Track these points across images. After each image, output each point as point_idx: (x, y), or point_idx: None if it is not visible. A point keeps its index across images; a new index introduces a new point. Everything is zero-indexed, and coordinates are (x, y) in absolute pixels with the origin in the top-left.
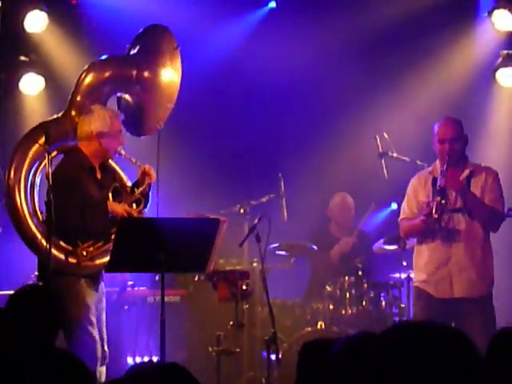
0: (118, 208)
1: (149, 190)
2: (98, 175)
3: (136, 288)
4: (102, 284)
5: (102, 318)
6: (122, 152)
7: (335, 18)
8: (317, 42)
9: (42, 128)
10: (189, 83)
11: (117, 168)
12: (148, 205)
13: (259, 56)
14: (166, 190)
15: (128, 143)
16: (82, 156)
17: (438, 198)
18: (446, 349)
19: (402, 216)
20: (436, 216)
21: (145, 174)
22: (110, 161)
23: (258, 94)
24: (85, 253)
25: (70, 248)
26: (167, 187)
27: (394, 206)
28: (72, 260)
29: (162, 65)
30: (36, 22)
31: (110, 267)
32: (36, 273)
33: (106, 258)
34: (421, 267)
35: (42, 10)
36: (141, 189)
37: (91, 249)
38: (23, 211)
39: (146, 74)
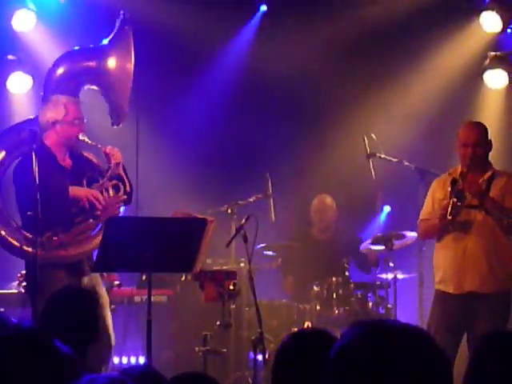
0: (80, 192)
1: (124, 171)
2: (65, 164)
3: (123, 288)
4: (93, 277)
5: None
6: (85, 139)
7: (323, 20)
8: (304, 43)
9: (15, 131)
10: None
11: (91, 157)
12: (129, 189)
13: (247, 58)
14: (154, 189)
15: (116, 139)
16: (42, 147)
17: (454, 199)
18: (405, 349)
19: (420, 217)
20: (450, 218)
21: (108, 155)
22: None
23: (246, 95)
24: (51, 241)
25: (35, 237)
26: (155, 187)
27: (387, 208)
28: (40, 251)
29: (114, 50)
30: (24, 20)
31: (97, 267)
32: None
33: (84, 247)
34: (438, 267)
35: (29, 8)
36: (109, 172)
37: (56, 238)
38: None
39: (103, 63)
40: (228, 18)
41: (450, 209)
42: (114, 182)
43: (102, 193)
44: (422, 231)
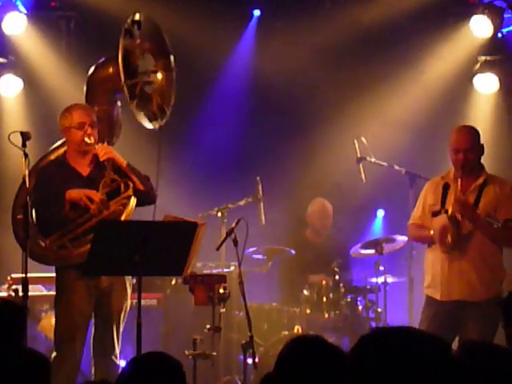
0: (74, 194)
1: (132, 170)
2: (82, 170)
3: None
4: (116, 278)
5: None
6: (87, 141)
7: (314, 25)
8: (296, 47)
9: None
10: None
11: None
12: (142, 187)
13: (238, 62)
14: None
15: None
16: (59, 154)
17: (454, 230)
18: (420, 356)
19: (411, 221)
20: (450, 241)
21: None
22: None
23: (237, 99)
24: (54, 243)
25: (44, 241)
26: None
27: (382, 213)
28: (46, 252)
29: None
30: (15, 23)
31: (87, 270)
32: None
33: (86, 247)
34: (427, 271)
35: (20, 11)
36: (107, 172)
37: (64, 239)
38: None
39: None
40: (222, 25)
41: (450, 239)
42: (123, 179)
43: (116, 191)
44: (412, 236)
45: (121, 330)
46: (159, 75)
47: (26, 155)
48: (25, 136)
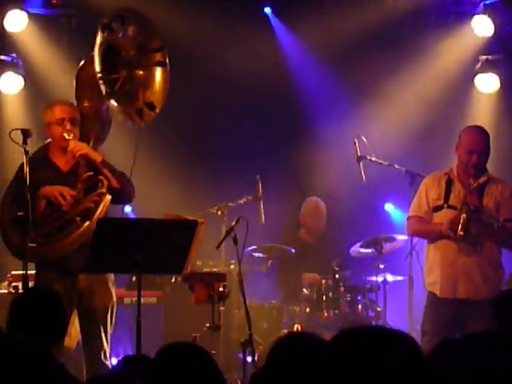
0: (47, 190)
1: (108, 167)
2: (62, 165)
3: None
4: (95, 277)
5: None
6: (66, 136)
7: (318, 23)
8: (298, 45)
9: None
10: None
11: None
12: (117, 184)
13: (242, 58)
14: (144, 190)
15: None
16: (41, 148)
17: (464, 215)
18: (390, 354)
19: (411, 213)
20: (462, 233)
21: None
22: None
23: (237, 96)
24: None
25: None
26: (144, 188)
27: (390, 206)
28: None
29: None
30: (16, 21)
31: (88, 267)
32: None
33: (58, 245)
34: (431, 268)
35: (21, 9)
36: (81, 169)
37: (37, 235)
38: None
39: None
40: (233, 24)
41: (461, 225)
42: (98, 176)
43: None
44: (414, 229)
45: (109, 330)
46: (144, 70)
47: (26, 152)
48: (26, 133)
